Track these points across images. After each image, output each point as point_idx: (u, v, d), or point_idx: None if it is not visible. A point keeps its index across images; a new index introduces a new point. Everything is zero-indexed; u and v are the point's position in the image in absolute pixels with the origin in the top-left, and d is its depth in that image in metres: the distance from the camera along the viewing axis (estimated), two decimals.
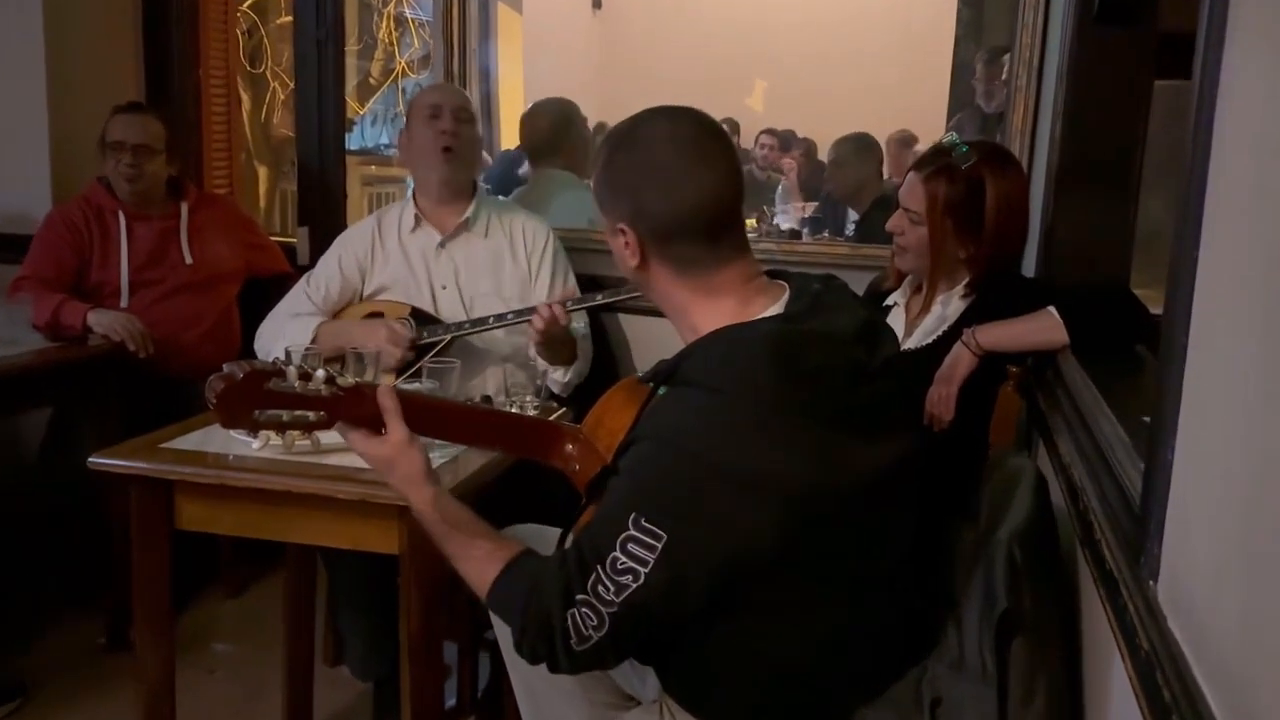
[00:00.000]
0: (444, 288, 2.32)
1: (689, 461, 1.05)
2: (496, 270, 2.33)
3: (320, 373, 1.17)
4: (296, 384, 1.16)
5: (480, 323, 2.21)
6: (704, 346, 1.13)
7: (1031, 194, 1.97)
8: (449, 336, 2.20)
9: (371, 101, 5.51)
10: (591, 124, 3.06)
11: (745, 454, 1.05)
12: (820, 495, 1.07)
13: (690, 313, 1.21)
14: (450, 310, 2.29)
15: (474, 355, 2.27)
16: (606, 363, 2.60)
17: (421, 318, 2.25)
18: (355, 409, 1.22)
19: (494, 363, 2.29)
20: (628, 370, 2.72)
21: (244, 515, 1.65)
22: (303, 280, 2.39)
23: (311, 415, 1.18)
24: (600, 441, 1.32)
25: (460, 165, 2.30)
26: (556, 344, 2.17)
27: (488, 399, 2.04)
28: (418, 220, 2.34)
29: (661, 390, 1.18)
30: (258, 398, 1.15)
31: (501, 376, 2.25)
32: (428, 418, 1.27)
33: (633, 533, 1.05)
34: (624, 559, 1.06)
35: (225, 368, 1.15)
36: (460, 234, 2.34)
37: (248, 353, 2.42)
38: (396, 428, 1.23)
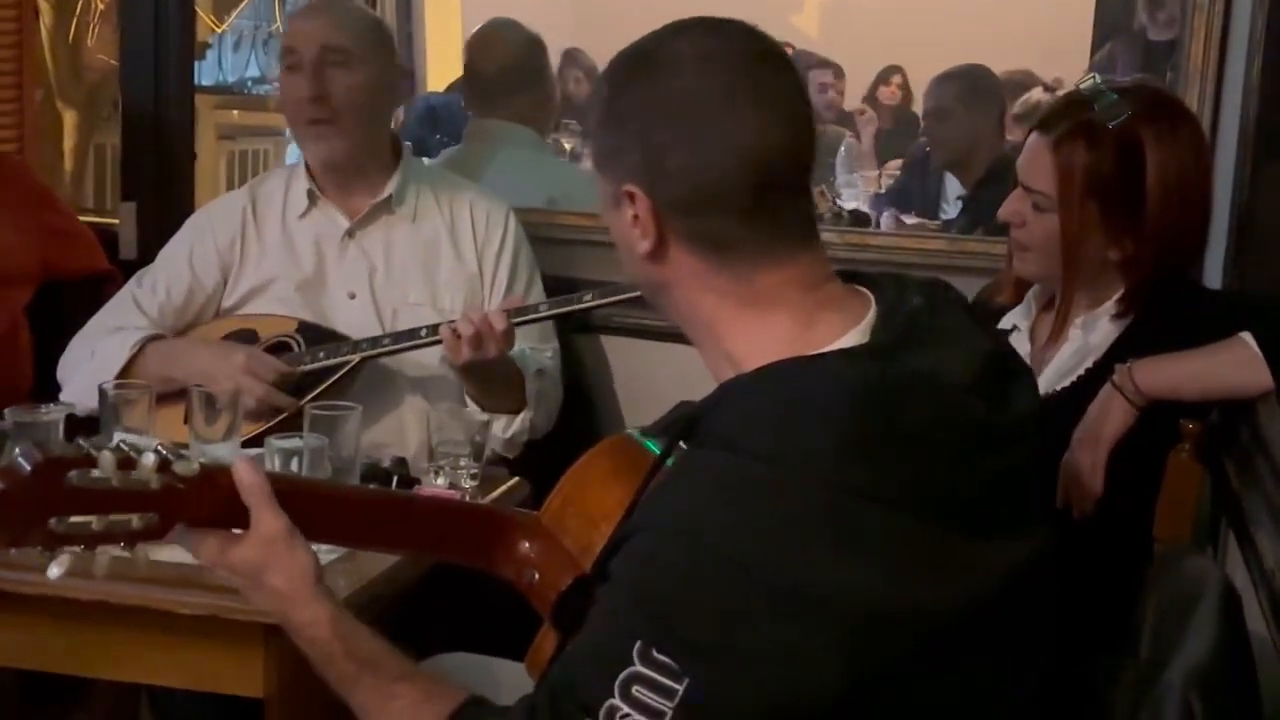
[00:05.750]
0: (352, 296, 2.33)
1: (718, 567, 1.05)
2: (430, 270, 2.35)
3: (149, 456, 1.17)
4: (114, 475, 1.16)
5: (407, 337, 2.19)
6: (747, 391, 1.13)
7: (1216, 165, 1.99)
8: (358, 356, 2.19)
9: (235, 14, 5.55)
10: (557, 54, 3.08)
11: (804, 560, 1.04)
12: (914, 622, 1.07)
13: (723, 333, 1.21)
14: (360, 329, 2.29)
15: (383, 397, 2.28)
16: (578, 408, 2.61)
17: (316, 336, 2.26)
18: (203, 505, 1.22)
19: (413, 408, 2.30)
20: (611, 419, 2.72)
21: (34, 640, 1.65)
22: (133, 281, 2.40)
23: (136, 520, 1.18)
24: (571, 536, 1.32)
25: (341, 137, 2.29)
26: (489, 379, 2.17)
27: (402, 464, 2.04)
28: (312, 199, 2.36)
29: (670, 461, 1.18)
30: (55, 500, 1.14)
31: (424, 429, 2.26)
32: (305, 512, 1.26)
33: (640, 669, 1.05)
34: (627, 709, 1.05)
35: (7, 460, 1.15)
36: (378, 218, 2.36)
37: (46, 387, 2.42)
38: (266, 515, 1.23)
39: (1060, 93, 2.70)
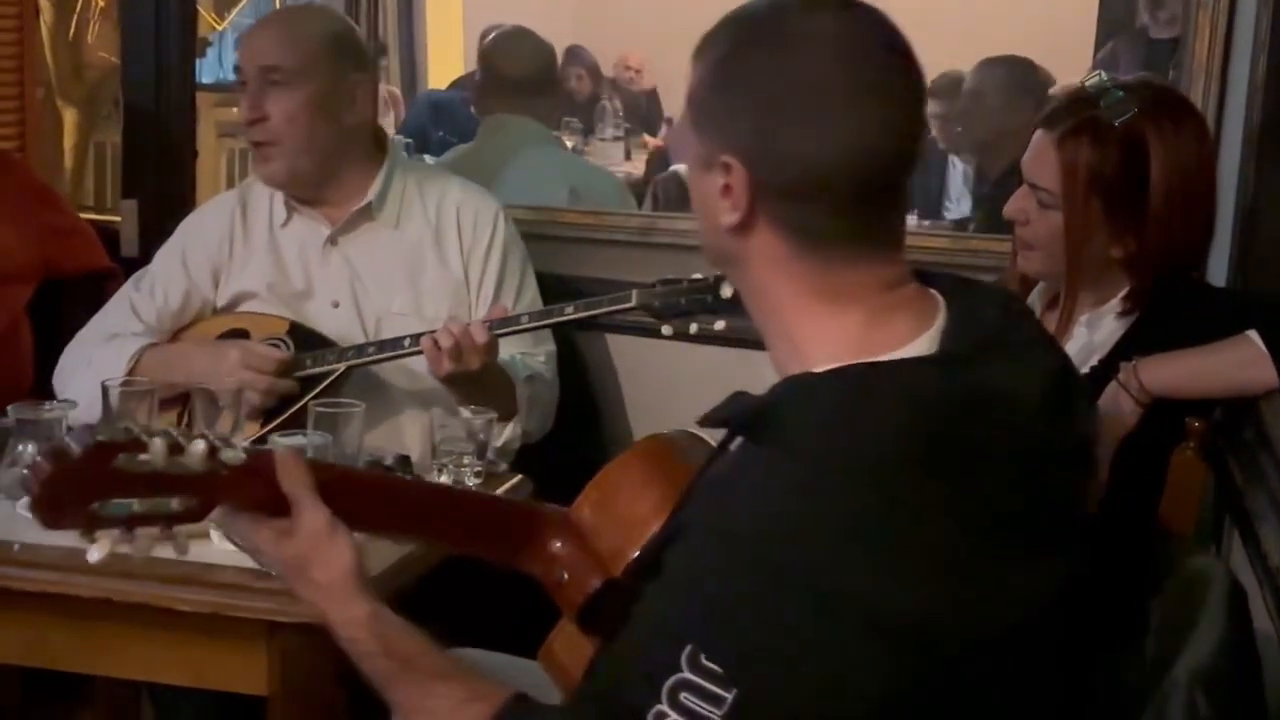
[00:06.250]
0: (335, 305, 2.32)
1: (764, 572, 1.04)
2: (415, 277, 2.33)
3: (199, 443, 1.17)
4: (161, 460, 1.16)
5: (391, 346, 2.20)
6: (811, 392, 1.11)
7: (1220, 162, 1.99)
8: (343, 366, 2.20)
9: (236, 11, 5.54)
10: (558, 51, 3.09)
11: (850, 568, 1.04)
12: (954, 634, 1.07)
13: (791, 319, 1.19)
14: (344, 338, 2.28)
15: (384, 395, 2.27)
16: (581, 407, 2.61)
17: (305, 338, 2.26)
18: (244, 492, 1.22)
19: (415, 406, 2.29)
20: (613, 417, 2.72)
21: (37, 637, 1.64)
22: (130, 283, 2.40)
23: (175, 502, 1.18)
24: (601, 538, 1.32)
25: (282, 159, 2.24)
26: (475, 388, 2.13)
27: (405, 461, 2.04)
28: (290, 210, 2.35)
29: (712, 466, 1.17)
30: (100, 483, 1.14)
31: (427, 427, 2.25)
32: (346, 501, 1.26)
33: (689, 676, 1.04)
34: (675, 716, 1.04)
35: (54, 442, 1.14)
36: (360, 224, 2.33)
37: (47, 385, 2.42)
38: (306, 508, 1.23)
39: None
